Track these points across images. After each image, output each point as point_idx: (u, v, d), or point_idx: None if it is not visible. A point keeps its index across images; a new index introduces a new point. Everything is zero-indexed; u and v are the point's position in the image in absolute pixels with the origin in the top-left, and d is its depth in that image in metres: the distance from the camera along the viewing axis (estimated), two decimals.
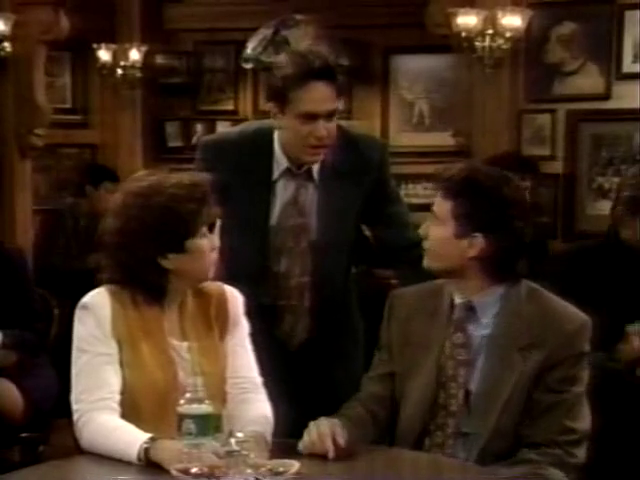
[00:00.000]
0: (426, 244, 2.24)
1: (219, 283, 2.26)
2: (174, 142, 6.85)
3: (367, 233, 2.98)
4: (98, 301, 2.15)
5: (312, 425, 2.11)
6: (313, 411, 2.23)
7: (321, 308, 2.64)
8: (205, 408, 1.92)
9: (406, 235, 2.68)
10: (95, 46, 6.36)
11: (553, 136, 5.20)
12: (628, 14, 4.92)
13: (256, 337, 2.30)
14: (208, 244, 2.16)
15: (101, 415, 2.08)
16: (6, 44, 5.46)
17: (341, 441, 2.08)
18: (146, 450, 1.98)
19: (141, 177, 2.20)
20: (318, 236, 2.62)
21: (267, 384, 2.26)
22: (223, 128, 6.43)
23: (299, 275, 2.61)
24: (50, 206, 5.89)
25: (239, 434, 1.88)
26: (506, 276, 2.21)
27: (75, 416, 2.12)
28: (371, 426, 2.25)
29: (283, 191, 2.61)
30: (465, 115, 5.43)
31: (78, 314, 2.16)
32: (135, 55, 6.37)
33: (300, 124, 2.50)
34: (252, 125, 2.82)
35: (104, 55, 6.37)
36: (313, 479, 1.94)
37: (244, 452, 1.84)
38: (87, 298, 2.16)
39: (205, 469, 1.84)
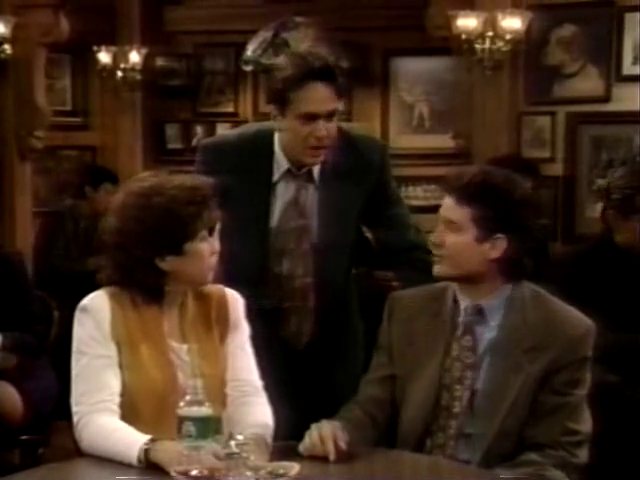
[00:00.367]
0: (442, 252, 2.22)
1: (220, 285, 2.26)
2: (174, 144, 6.85)
3: (368, 235, 2.98)
4: (97, 303, 2.14)
5: (314, 427, 2.11)
6: (314, 411, 2.24)
7: (324, 309, 2.64)
8: (205, 410, 1.91)
9: (407, 237, 2.68)
10: (95, 48, 6.36)
11: (553, 138, 5.20)
12: (628, 16, 4.93)
13: (260, 339, 2.30)
14: (208, 248, 2.15)
15: (101, 417, 2.08)
16: (6, 46, 5.46)
17: (342, 444, 2.08)
18: (146, 452, 1.98)
19: (143, 178, 2.20)
20: (319, 237, 2.62)
21: (270, 385, 2.25)
22: (223, 130, 6.44)
23: (302, 276, 2.61)
24: (50, 208, 5.89)
25: (239, 436, 1.87)
26: (516, 275, 2.22)
27: (75, 418, 2.12)
28: (370, 429, 2.25)
29: (284, 192, 2.61)
30: (465, 117, 5.43)
31: (77, 316, 2.16)
32: (135, 57, 6.38)
33: (300, 125, 2.50)
34: (252, 127, 2.82)
35: (104, 57, 6.38)
36: None
37: (244, 454, 1.84)
38: (86, 300, 2.16)
39: (205, 471, 1.84)
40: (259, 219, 2.60)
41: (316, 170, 2.61)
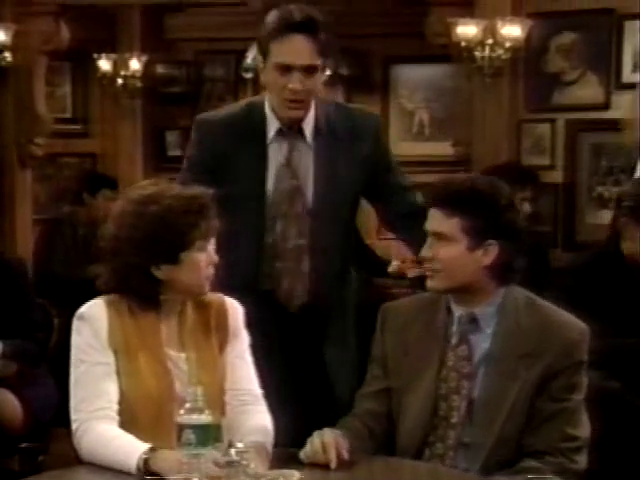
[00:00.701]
0: (434, 265, 2.21)
1: (219, 294, 2.26)
2: (174, 151, 6.85)
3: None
4: (94, 311, 2.15)
5: (315, 435, 2.11)
6: (304, 376, 2.33)
7: (318, 273, 2.64)
8: (205, 418, 1.91)
9: (409, 201, 2.69)
10: (95, 56, 6.37)
11: (553, 145, 5.20)
12: (627, 24, 4.93)
13: (257, 301, 2.36)
14: (204, 258, 2.15)
15: (100, 425, 2.08)
16: (7, 54, 5.47)
17: (344, 452, 2.07)
18: (145, 460, 1.98)
19: (144, 185, 2.21)
20: (313, 199, 2.62)
21: (261, 348, 2.27)
22: None
23: (295, 238, 2.61)
24: (50, 215, 5.89)
25: (239, 444, 1.87)
26: (508, 280, 2.22)
27: (74, 426, 2.12)
28: (368, 440, 2.24)
29: (277, 153, 2.62)
30: (465, 124, 5.44)
31: (75, 324, 2.16)
32: (135, 65, 6.38)
33: (277, 76, 2.53)
34: (245, 100, 2.87)
35: (104, 65, 6.39)
36: None
37: (244, 462, 1.84)
38: (84, 308, 2.17)
39: (205, 479, 1.83)
40: (255, 181, 2.61)
41: (309, 130, 2.62)
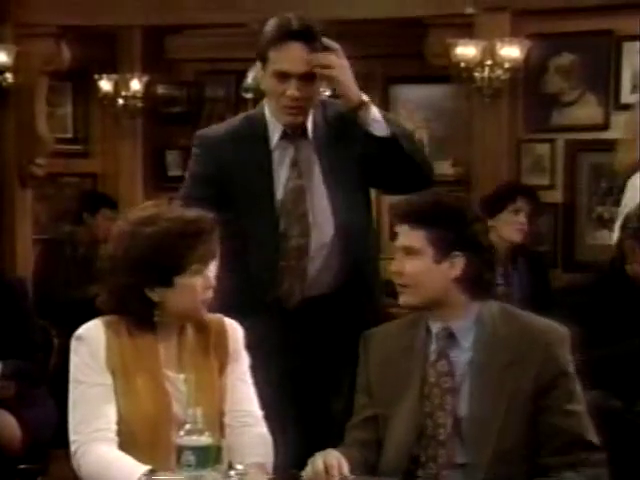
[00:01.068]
0: (403, 280, 2.23)
1: (219, 315, 2.25)
2: (175, 171, 6.86)
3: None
4: (92, 332, 2.15)
5: (318, 455, 2.10)
6: (301, 371, 2.36)
7: (346, 263, 2.64)
8: (205, 440, 1.91)
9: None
10: (96, 76, 6.39)
11: (552, 166, 5.22)
12: (626, 45, 4.96)
13: (257, 298, 2.42)
14: (201, 282, 2.13)
15: (99, 447, 2.08)
16: (8, 75, 5.50)
17: (347, 473, 2.06)
18: None
19: (145, 207, 2.21)
20: (318, 198, 2.63)
21: (259, 344, 2.28)
22: None
23: (297, 236, 2.62)
24: (50, 235, 5.90)
25: (239, 466, 1.87)
26: (481, 293, 2.23)
27: (73, 447, 2.11)
28: (363, 467, 2.22)
29: (284, 155, 2.65)
30: (465, 144, 5.45)
31: (73, 345, 2.16)
32: (136, 85, 6.40)
33: (276, 83, 2.56)
34: (242, 114, 2.88)
35: (105, 85, 6.40)
36: None
37: None
38: (82, 329, 2.17)
39: None
40: (263, 186, 2.63)
41: (310, 129, 2.65)
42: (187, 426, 1.92)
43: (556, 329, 2.20)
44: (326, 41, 2.59)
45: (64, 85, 6.54)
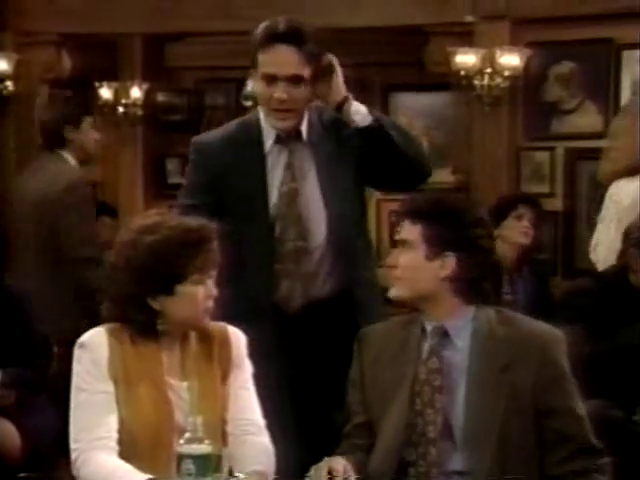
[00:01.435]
0: (395, 272, 2.25)
1: (222, 323, 2.25)
2: (174, 179, 6.85)
3: None
4: (95, 340, 2.15)
5: (323, 462, 2.09)
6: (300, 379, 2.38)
7: (339, 269, 2.65)
8: (205, 448, 1.91)
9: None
10: (97, 84, 6.40)
11: (552, 173, 5.22)
12: (626, 53, 4.97)
13: (254, 304, 2.43)
14: (202, 291, 2.14)
15: (99, 455, 2.07)
16: (8, 83, 5.51)
17: (352, 478, 2.06)
18: None
19: (148, 215, 2.21)
20: (313, 202, 2.64)
21: (259, 349, 2.29)
22: None
23: (294, 240, 2.62)
24: None
25: (239, 474, 1.87)
26: (477, 296, 2.23)
27: (73, 455, 2.11)
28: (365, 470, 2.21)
29: (278, 158, 2.65)
30: (464, 152, 5.46)
31: (76, 353, 2.16)
32: (136, 93, 6.41)
33: (264, 86, 2.57)
34: (237, 119, 2.88)
35: (105, 93, 6.41)
36: None
37: None
38: (85, 337, 2.17)
39: None
40: (256, 191, 2.63)
41: (305, 132, 2.65)
42: (187, 434, 1.92)
43: (552, 332, 2.21)
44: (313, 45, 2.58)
45: (64, 93, 6.54)
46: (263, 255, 2.62)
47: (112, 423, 2.10)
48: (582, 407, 2.19)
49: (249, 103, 6.44)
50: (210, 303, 2.16)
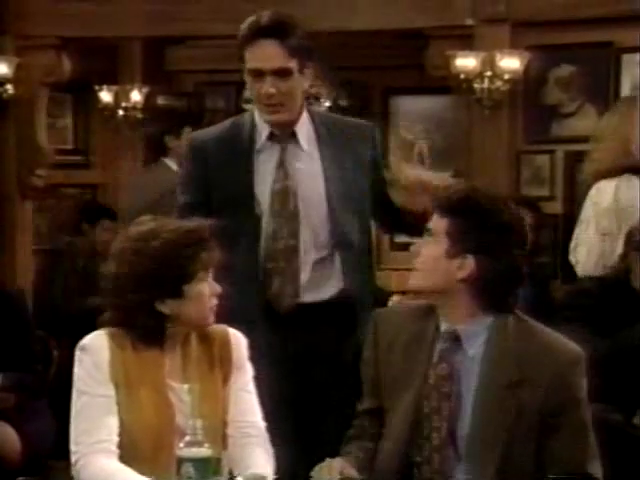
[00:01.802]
0: (417, 262, 2.18)
1: (223, 326, 2.26)
2: None
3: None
4: (96, 343, 2.15)
5: (325, 462, 2.08)
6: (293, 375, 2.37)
7: (346, 270, 2.62)
8: (205, 451, 1.91)
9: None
10: (97, 87, 6.41)
11: (552, 177, 5.22)
12: (625, 57, 4.97)
13: (248, 300, 2.43)
14: (207, 289, 2.16)
15: (100, 459, 2.07)
16: (8, 86, 5.51)
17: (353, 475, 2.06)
18: None
19: (142, 221, 2.21)
20: (329, 200, 2.62)
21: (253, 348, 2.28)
22: None
23: (287, 237, 2.60)
24: (50, 246, 5.90)
25: (239, 478, 1.86)
26: (496, 305, 2.15)
27: (73, 458, 2.11)
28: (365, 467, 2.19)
29: (270, 156, 2.63)
30: (464, 155, 5.46)
31: (77, 355, 2.16)
32: (136, 96, 6.41)
33: (252, 82, 2.57)
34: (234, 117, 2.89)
35: (105, 96, 6.42)
36: None
37: None
38: (86, 340, 2.17)
39: None
40: (241, 186, 2.61)
41: (303, 135, 2.63)
42: (187, 438, 1.92)
43: (571, 351, 2.13)
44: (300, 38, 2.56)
45: (64, 96, 6.55)
46: (250, 252, 2.60)
47: (113, 426, 2.10)
48: (589, 432, 2.13)
49: (249, 106, 6.43)
50: (214, 300, 2.18)
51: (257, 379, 2.28)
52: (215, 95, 6.88)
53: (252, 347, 2.29)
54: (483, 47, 5.14)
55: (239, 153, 2.64)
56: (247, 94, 6.37)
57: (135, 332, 2.15)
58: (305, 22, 2.74)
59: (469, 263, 2.11)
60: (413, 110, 6.54)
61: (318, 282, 2.62)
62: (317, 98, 5.87)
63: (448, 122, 6.21)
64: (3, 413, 3.25)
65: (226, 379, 2.21)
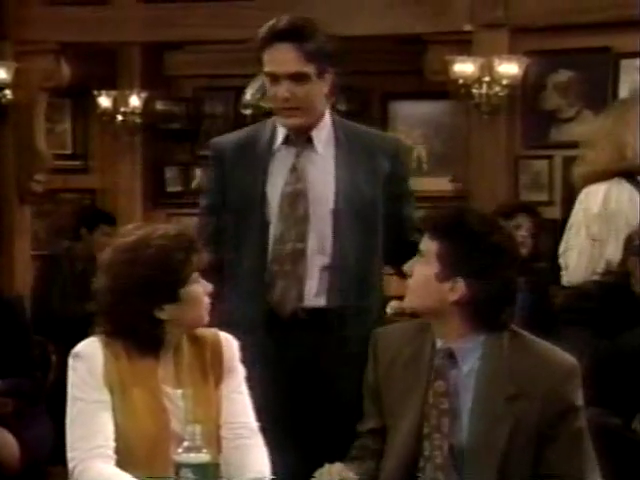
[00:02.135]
0: (409, 282, 2.21)
1: (214, 330, 2.26)
2: (173, 187, 6.88)
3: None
4: (90, 350, 2.15)
5: (325, 467, 2.09)
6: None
7: (334, 278, 2.57)
8: (204, 457, 1.91)
9: (409, 234, 2.56)
10: (95, 92, 6.41)
11: (550, 182, 5.23)
12: (623, 62, 4.98)
13: (252, 303, 2.41)
14: (201, 289, 2.17)
15: (97, 464, 2.07)
16: (7, 91, 5.52)
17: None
18: None
19: (128, 231, 2.21)
20: (335, 205, 2.58)
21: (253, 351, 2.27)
22: None
23: (294, 241, 2.57)
24: (48, 251, 5.90)
25: None
26: (488, 325, 2.16)
27: (71, 464, 2.10)
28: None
29: (284, 159, 2.61)
30: (463, 161, 5.47)
31: (71, 363, 2.16)
32: (135, 101, 6.42)
33: (269, 85, 2.56)
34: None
35: (104, 101, 6.42)
36: None
37: None
38: (79, 347, 2.17)
39: None
40: (253, 187, 2.60)
41: (320, 140, 2.60)
42: (185, 443, 1.92)
43: (566, 362, 2.14)
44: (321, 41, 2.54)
45: (63, 101, 6.56)
46: (257, 254, 2.58)
47: (109, 431, 2.10)
48: (586, 442, 2.13)
49: (248, 111, 6.46)
50: (207, 299, 2.19)
51: (257, 382, 2.27)
52: (214, 100, 6.89)
53: (253, 350, 2.29)
54: (481, 52, 5.15)
55: (256, 156, 2.63)
56: (246, 99, 6.42)
57: (134, 341, 2.15)
58: None
59: (460, 287, 2.12)
60: (412, 115, 6.55)
61: (323, 289, 2.58)
62: None
63: (447, 127, 6.21)
64: (2, 419, 3.24)
65: (218, 382, 2.21)
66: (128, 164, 6.62)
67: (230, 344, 2.25)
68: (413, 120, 6.54)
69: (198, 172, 6.84)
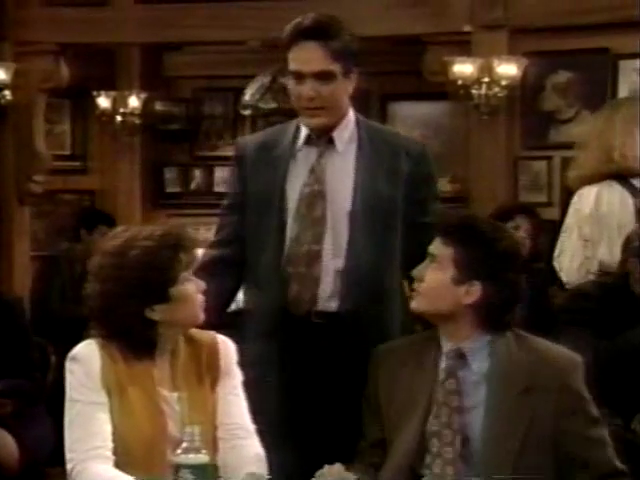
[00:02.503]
0: (420, 286, 2.26)
1: (212, 332, 2.26)
2: (172, 188, 6.88)
3: None
4: (87, 352, 2.15)
5: (325, 469, 2.09)
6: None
7: (348, 281, 2.54)
8: (202, 458, 1.91)
9: (423, 241, 2.47)
10: (95, 93, 6.41)
11: (550, 183, 5.23)
12: (622, 63, 4.99)
13: (266, 303, 2.42)
14: (194, 287, 2.17)
15: (95, 465, 2.07)
16: (6, 92, 5.52)
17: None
18: None
19: (115, 234, 2.22)
20: (352, 206, 2.55)
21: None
22: (221, 174, 6.48)
23: (310, 242, 2.54)
24: (47, 252, 5.90)
25: None
26: (496, 325, 2.24)
27: (69, 466, 2.10)
28: None
29: (306, 158, 2.59)
30: (462, 161, 5.47)
31: (68, 366, 2.16)
32: (134, 102, 6.42)
33: (294, 84, 2.53)
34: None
35: (103, 102, 6.42)
36: None
37: None
38: (76, 349, 2.17)
39: None
40: (272, 186, 2.58)
41: (342, 140, 2.57)
42: (184, 444, 1.92)
43: (570, 356, 2.23)
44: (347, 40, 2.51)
45: (62, 102, 6.56)
46: (272, 255, 2.56)
47: (107, 433, 2.10)
48: (604, 431, 2.20)
49: (247, 112, 6.46)
50: (202, 297, 2.19)
51: (266, 384, 2.30)
52: (213, 101, 6.89)
53: (264, 351, 2.29)
54: (481, 53, 5.15)
55: (277, 156, 2.61)
56: (245, 100, 6.42)
57: (128, 343, 2.15)
58: None
59: (476, 289, 2.21)
60: (411, 116, 6.55)
61: (337, 292, 2.55)
62: None
63: (446, 128, 6.21)
64: (1, 420, 3.24)
65: (214, 385, 2.22)
66: (127, 165, 6.62)
67: (227, 347, 2.25)
68: (412, 121, 6.54)
69: (197, 173, 6.85)
